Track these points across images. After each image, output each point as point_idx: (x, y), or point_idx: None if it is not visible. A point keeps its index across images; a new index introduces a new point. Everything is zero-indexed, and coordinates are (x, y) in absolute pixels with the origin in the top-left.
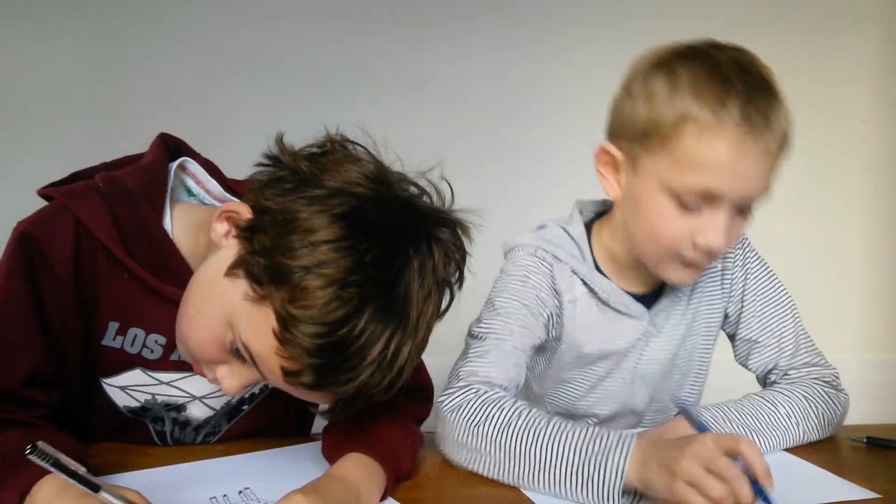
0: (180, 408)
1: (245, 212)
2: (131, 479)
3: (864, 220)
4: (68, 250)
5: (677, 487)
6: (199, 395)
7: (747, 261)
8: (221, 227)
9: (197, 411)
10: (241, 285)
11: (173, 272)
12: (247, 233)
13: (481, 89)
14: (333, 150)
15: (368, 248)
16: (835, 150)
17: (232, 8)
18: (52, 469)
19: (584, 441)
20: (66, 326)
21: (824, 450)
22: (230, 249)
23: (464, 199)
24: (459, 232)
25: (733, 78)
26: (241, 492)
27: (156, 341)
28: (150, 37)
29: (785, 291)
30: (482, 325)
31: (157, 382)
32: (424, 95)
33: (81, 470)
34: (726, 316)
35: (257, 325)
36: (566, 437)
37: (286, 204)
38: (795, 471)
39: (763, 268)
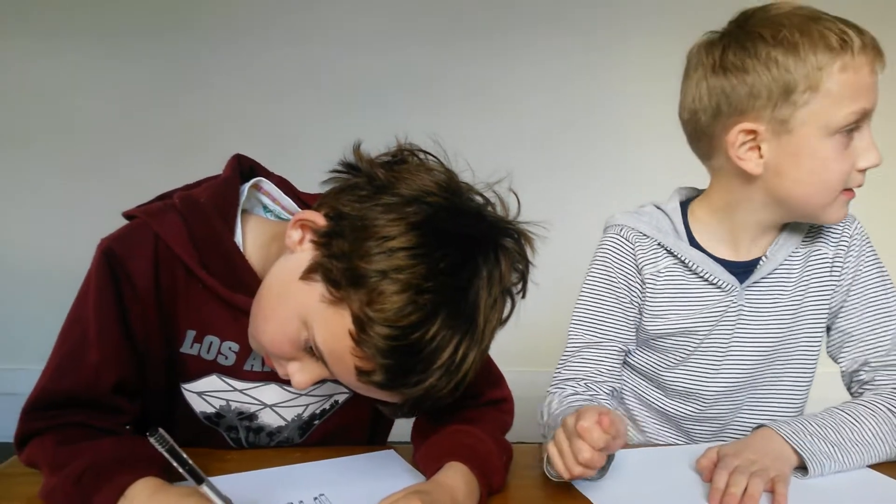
0: (252, 416)
1: (319, 219)
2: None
3: None
4: (148, 264)
5: None
6: (270, 403)
7: (861, 252)
8: (296, 234)
9: (268, 419)
10: (318, 288)
11: (244, 283)
12: (324, 238)
13: (541, 98)
14: (406, 160)
15: (442, 256)
16: None
17: (293, 27)
18: (166, 455)
19: None
20: (148, 335)
21: None
22: (305, 254)
23: (523, 209)
24: (523, 242)
25: (821, 16)
26: (316, 498)
27: (230, 348)
28: (215, 60)
29: (892, 287)
30: (577, 314)
31: (231, 389)
32: (484, 105)
33: (190, 462)
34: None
35: (334, 326)
36: None
37: (363, 210)
38: (876, 488)
39: (874, 260)
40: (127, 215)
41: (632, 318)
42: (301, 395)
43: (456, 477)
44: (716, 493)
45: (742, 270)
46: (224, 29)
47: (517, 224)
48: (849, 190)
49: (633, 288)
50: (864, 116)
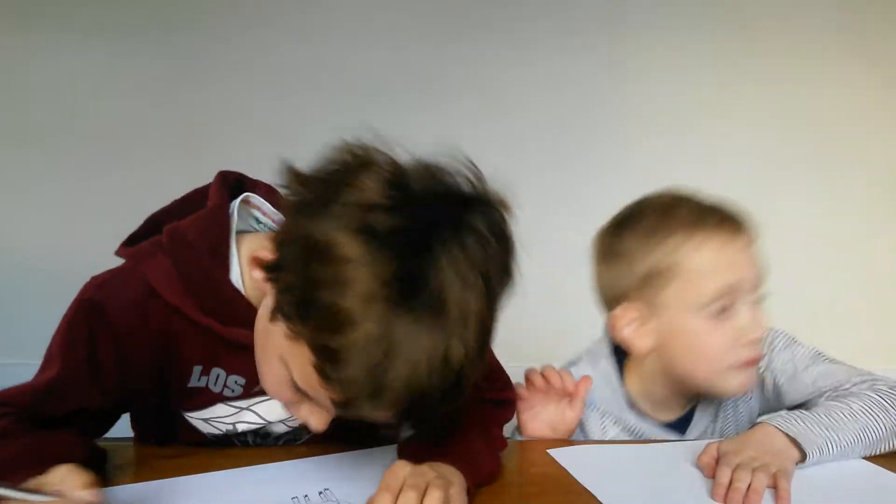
0: (257, 431)
1: (265, 254)
2: (216, 479)
3: None
4: (135, 309)
5: None
6: (275, 420)
7: (773, 358)
8: (258, 275)
9: (276, 428)
10: (282, 326)
11: (240, 318)
12: (272, 273)
13: (545, 95)
14: (347, 162)
15: (390, 258)
16: None
17: (297, 23)
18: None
19: None
20: (133, 376)
21: None
22: (271, 294)
23: (527, 205)
24: (498, 214)
25: (687, 199)
26: (321, 493)
27: (236, 381)
28: (222, 58)
29: (805, 347)
30: None
31: (237, 410)
32: (488, 102)
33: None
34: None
35: (301, 363)
36: None
37: (303, 230)
38: (876, 480)
39: (788, 349)
40: (118, 254)
41: None
42: None
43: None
44: (720, 488)
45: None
46: (231, 27)
47: (487, 194)
48: (749, 360)
49: None
50: (734, 290)
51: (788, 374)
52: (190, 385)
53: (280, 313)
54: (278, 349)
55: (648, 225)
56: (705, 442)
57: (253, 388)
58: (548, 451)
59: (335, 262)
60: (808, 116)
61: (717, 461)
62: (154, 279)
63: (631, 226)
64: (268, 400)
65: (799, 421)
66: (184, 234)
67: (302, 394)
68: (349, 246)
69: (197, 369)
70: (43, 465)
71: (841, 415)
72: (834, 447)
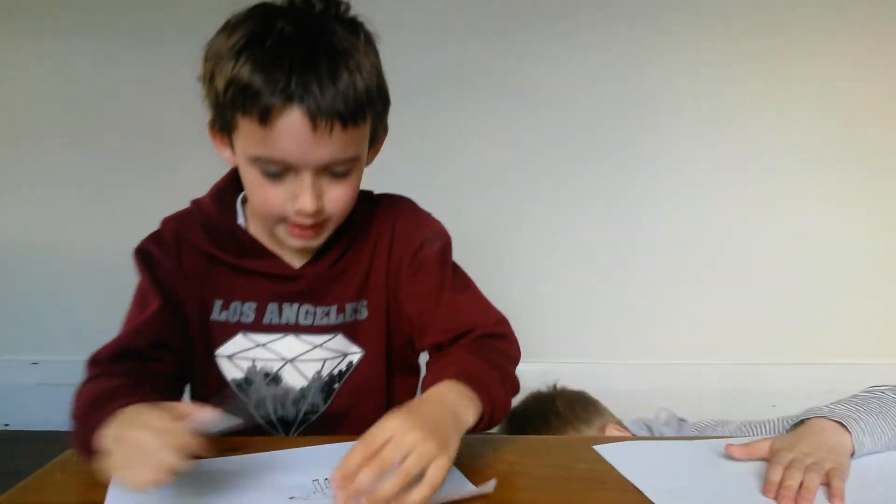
0: (277, 378)
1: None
2: (237, 463)
3: None
4: (171, 250)
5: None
6: (290, 356)
7: None
8: (224, 153)
9: (291, 379)
10: (226, 141)
11: (249, 248)
12: (207, 101)
13: (584, 91)
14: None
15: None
16: None
17: None
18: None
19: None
20: (183, 305)
21: None
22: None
23: (565, 200)
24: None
25: None
26: None
27: (249, 307)
28: None
29: None
30: None
31: (255, 345)
32: (526, 98)
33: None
34: None
35: (245, 141)
36: None
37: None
38: None
39: None
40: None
41: None
42: (315, 346)
43: (448, 390)
44: (771, 485)
45: None
46: None
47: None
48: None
49: None
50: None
51: None
52: (212, 318)
53: (216, 123)
54: (238, 161)
55: None
56: (755, 438)
57: (262, 314)
58: (593, 447)
59: (224, 49)
60: (843, 112)
61: (769, 458)
62: (182, 228)
63: None
64: (280, 338)
65: (846, 406)
66: (204, 198)
67: (279, 186)
68: (234, 38)
69: (218, 303)
70: (127, 397)
71: (878, 403)
72: (884, 439)
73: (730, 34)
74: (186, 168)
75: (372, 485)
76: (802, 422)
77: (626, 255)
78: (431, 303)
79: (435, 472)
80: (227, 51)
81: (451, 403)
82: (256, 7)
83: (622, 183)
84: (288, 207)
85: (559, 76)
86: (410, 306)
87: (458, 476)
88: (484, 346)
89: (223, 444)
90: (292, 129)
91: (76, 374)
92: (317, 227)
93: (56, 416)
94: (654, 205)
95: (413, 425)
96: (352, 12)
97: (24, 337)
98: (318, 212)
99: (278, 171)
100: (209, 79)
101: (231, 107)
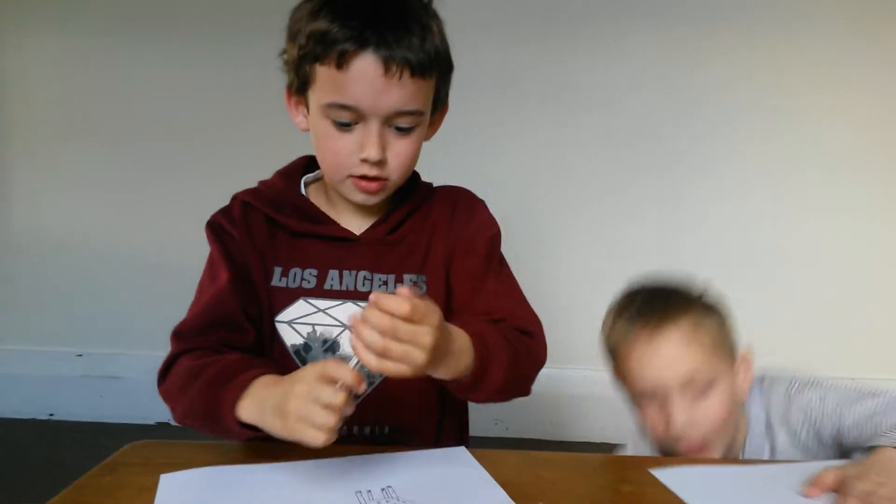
0: (335, 346)
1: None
2: (281, 471)
3: None
4: (238, 219)
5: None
6: (349, 323)
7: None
8: (297, 118)
9: (349, 347)
10: (301, 102)
11: (311, 215)
12: (284, 66)
13: (631, 95)
14: None
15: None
16: None
17: None
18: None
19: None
20: (252, 269)
21: None
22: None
23: (616, 207)
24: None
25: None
26: (383, 489)
27: (311, 273)
28: None
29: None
30: None
31: (315, 310)
32: (573, 101)
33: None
34: None
35: (320, 87)
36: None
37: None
38: None
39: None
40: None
41: None
42: None
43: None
44: None
45: None
46: None
47: None
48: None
49: None
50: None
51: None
52: (272, 284)
53: (293, 85)
54: (314, 113)
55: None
56: (820, 464)
57: (324, 280)
58: (650, 470)
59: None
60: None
61: (838, 488)
62: (245, 197)
63: None
64: (340, 304)
65: None
66: (267, 179)
67: (348, 138)
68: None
69: (277, 270)
70: (256, 368)
71: None
72: None
73: (789, 36)
74: (222, 167)
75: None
76: (872, 448)
77: (672, 261)
78: (473, 284)
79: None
80: (308, 11)
81: (456, 342)
82: None
83: (674, 187)
84: (354, 158)
85: (605, 80)
86: (454, 284)
87: (504, 497)
88: (512, 334)
89: (267, 452)
90: (366, 71)
91: (118, 366)
92: (379, 180)
93: (98, 406)
94: (709, 209)
95: (435, 324)
96: None
97: (68, 330)
98: (382, 162)
99: (349, 120)
100: (292, 38)
101: (311, 58)
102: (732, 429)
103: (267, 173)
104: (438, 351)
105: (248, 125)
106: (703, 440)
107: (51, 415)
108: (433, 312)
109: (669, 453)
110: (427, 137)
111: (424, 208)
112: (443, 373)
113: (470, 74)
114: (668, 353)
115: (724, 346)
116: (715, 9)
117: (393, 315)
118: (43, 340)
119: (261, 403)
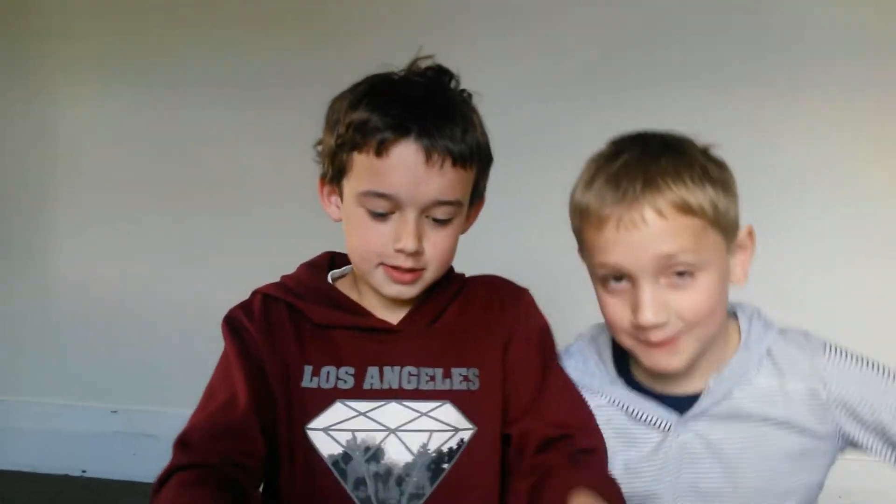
0: (378, 454)
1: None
2: None
3: None
4: (258, 316)
5: None
6: (393, 426)
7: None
8: (326, 207)
9: (395, 454)
10: (335, 191)
11: (341, 305)
12: (319, 158)
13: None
14: None
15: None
16: None
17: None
18: None
19: None
20: (271, 373)
21: None
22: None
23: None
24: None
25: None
26: None
27: (346, 372)
28: None
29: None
30: None
31: (355, 414)
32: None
33: None
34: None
35: (357, 181)
36: None
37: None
38: None
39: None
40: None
41: None
42: (421, 414)
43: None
44: None
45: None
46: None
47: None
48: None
49: None
50: (618, 270)
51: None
52: (303, 385)
53: (328, 175)
54: (349, 202)
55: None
56: None
57: (363, 379)
58: None
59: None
60: None
61: None
62: (266, 290)
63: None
64: (383, 405)
65: None
66: (290, 273)
67: (384, 228)
68: (351, 96)
69: (308, 369)
70: None
71: None
72: None
73: (837, 100)
74: (267, 229)
75: None
76: None
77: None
78: (533, 385)
79: None
80: (348, 102)
81: None
82: (374, 74)
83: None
84: (388, 248)
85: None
86: (511, 379)
87: None
88: (597, 465)
89: None
90: (406, 159)
91: (154, 424)
92: (415, 272)
93: (132, 465)
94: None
95: None
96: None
97: (105, 385)
98: (419, 253)
99: (384, 210)
100: (330, 128)
101: (349, 146)
102: (715, 328)
103: (319, 234)
104: None
105: (295, 187)
106: (675, 333)
107: (83, 471)
108: None
109: (631, 348)
110: (464, 230)
111: (464, 296)
112: None
113: (520, 135)
114: (650, 229)
115: (722, 222)
116: (764, 69)
117: None
118: (79, 395)
119: None
